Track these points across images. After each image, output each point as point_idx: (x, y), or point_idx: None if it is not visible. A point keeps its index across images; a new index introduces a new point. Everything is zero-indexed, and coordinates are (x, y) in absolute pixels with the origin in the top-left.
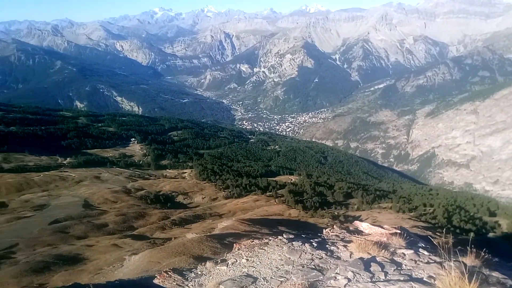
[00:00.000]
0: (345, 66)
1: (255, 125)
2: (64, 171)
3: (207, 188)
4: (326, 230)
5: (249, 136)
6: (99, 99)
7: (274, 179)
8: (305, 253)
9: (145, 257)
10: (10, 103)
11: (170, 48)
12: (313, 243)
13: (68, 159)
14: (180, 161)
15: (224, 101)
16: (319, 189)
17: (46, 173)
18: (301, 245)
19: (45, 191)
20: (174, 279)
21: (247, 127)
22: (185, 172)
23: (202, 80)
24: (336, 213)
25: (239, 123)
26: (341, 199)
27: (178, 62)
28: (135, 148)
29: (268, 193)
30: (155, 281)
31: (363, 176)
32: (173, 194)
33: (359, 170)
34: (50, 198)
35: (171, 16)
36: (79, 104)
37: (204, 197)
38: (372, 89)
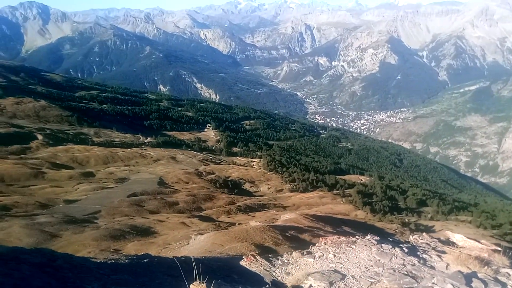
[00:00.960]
0: (433, 64)
1: (328, 120)
2: (144, 149)
3: (273, 179)
4: (414, 236)
5: (321, 131)
6: (181, 84)
7: (342, 177)
8: (396, 258)
9: (209, 238)
10: (104, 83)
11: (250, 38)
12: (404, 248)
13: (148, 138)
14: (250, 150)
15: (298, 93)
16: (390, 193)
17: (129, 149)
18: (391, 248)
19: (126, 166)
20: (261, 264)
21: (320, 121)
22: (254, 161)
23: (279, 72)
24: (406, 220)
25: (312, 117)
26: (414, 206)
27: (257, 52)
28: (210, 134)
29: (335, 191)
30: (242, 262)
31: (441, 184)
32: (240, 181)
33: (437, 177)
34: (130, 172)
35: (254, 6)
36: (162, 88)
37: (270, 188)
38: (461, 90)
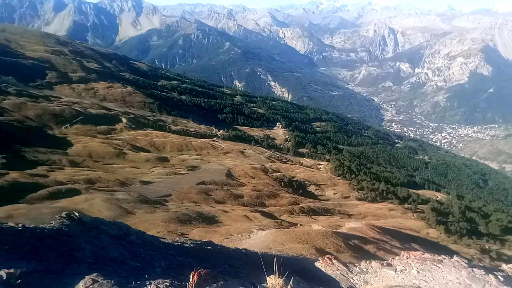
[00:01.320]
0: None
1: (405, 129)
2: (216, 141)
3: (340, 185)
4: (509, 265)
5: (396, 140)
6: (255, 81)
7: (416, 191)
8: (490, 285)
9: (270, 235)
10: (185, 75)
11: (329, 39)
12: (499, 277)
13: (221, 131)
14: (318, 152)
15: (375, 99)
16: (469, 215)
17: (202, 140)
18: (484, 274)
19: (198, 155)
20: (338, 268)
21: (396, 130)
22: (321, 164)
23: (356, 75)
24: (486, 247)
25: (387, 124)
26: (497, 232)
27: (334, 54)
28: (279, 132)
29: (406, 205)
30: (317, 264)
31: None
32: (305, 182)
33: None
34: (201, 162)
35: (336, 7)
36: (237, 83)
37: (336, 193)
38: None
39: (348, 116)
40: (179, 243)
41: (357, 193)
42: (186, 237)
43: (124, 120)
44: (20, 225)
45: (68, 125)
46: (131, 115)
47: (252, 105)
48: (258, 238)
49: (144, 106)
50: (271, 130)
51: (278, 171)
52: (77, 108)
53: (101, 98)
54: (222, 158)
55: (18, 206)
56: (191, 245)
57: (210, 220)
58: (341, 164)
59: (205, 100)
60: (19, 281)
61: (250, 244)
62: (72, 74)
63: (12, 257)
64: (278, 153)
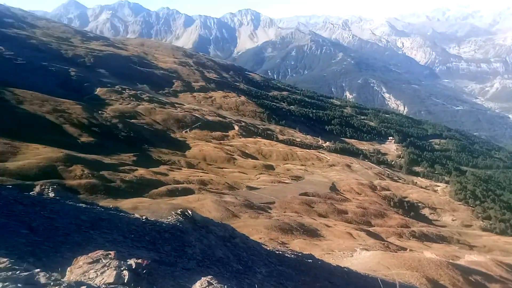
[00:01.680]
0: None
1: None
2: (322, 153)
3: (460, 211)
4: None
5: None
6: (367, 93)
7: None
8: None
9: (375, 257)
10: (295, 85)
11: (456, 48)
12: None
13: (327, 142)
14: (436, 172)
15: (510, 116)
16: None
17: (307, 150)
18: None
19: (303, 165)
20: None
21: None
22: (439, 186)
23: (487, 88)
24: None
25: None
26: None
27: (461, 64)
28: (391, 147)
29: None
30: None
31: None
32: (419, 204)
33: None
34: (305, 172)
35: (466, 13)
36: (348, 95)
37: (455, 220)
38: None
39: (475, 134)
40: (280, 252)
41: (481, 222)
42: (287, 247)
43: (236, 127)
44: (143, 217)
45: (188, 129)
46: (243, 123)
47: (362, 117)
48: (362, 258)
49: (255, 115)
50: (382, 145)
51: (388, 189)
52: (197, 115)
53: (217, 106)
54: (326, 171)
55: (142, 199)
56: (292, 255)
57: (312, 233)
58: (463, 187)
59: (313, 111)
60: (145, 271)
61: (352, 264)
62: (194, 84)
63: (135, 245)
64: (388, 170)
